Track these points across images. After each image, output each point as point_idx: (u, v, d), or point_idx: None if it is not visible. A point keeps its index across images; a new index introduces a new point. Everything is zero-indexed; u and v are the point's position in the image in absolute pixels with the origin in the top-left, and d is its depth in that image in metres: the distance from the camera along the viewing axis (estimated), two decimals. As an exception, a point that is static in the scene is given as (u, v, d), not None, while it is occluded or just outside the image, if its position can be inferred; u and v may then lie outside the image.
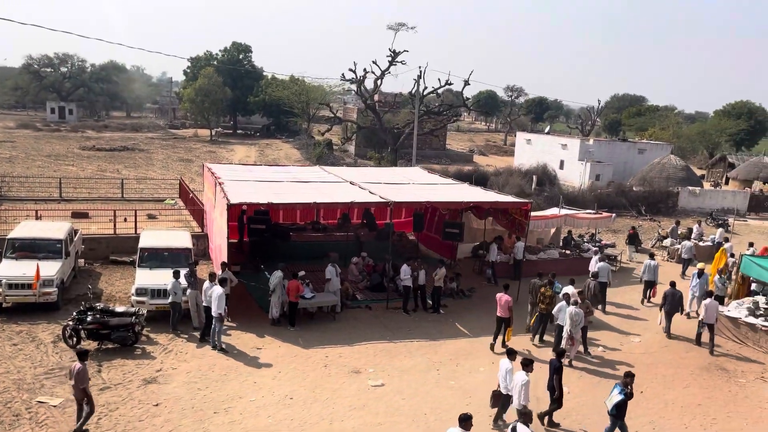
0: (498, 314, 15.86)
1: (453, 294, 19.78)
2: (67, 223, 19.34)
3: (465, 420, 9.65)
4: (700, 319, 16.61)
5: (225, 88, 67.41)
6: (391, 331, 16.70)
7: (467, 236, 22.70)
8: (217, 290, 14.71)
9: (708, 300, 16.46)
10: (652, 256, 20.76)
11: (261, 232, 21.65)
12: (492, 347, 15.78)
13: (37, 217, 21.53)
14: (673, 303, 17.10)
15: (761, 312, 17.14)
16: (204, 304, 15.21)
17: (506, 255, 22.34)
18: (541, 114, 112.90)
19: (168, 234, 19.52)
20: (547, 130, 70.42)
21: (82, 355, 11.07)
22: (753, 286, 19.30)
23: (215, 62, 73.38)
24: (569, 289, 16.46)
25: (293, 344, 15.37)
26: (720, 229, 27.98)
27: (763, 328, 16.52)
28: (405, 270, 18.10)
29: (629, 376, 11.41)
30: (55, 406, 11.72)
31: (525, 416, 10.13)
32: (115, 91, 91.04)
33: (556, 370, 12.03)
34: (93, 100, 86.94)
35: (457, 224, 21.43)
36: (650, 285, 19.91)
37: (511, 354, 12.18)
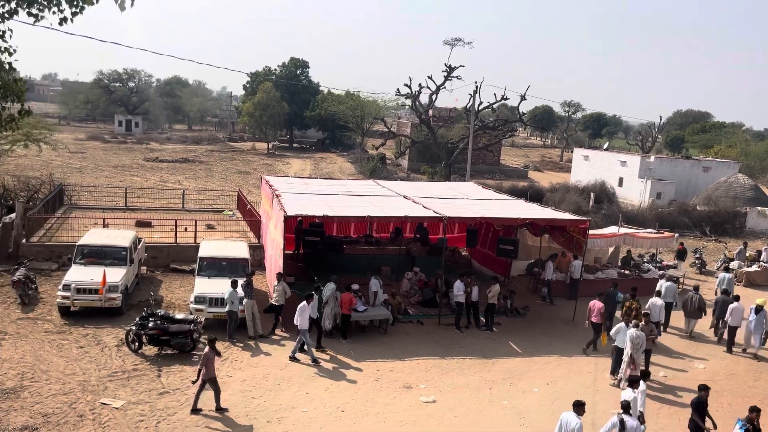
0: (593, 321, 16.84)
1: (507, 312, 19.47)
2: (131, 232, 20.12)
3: (579, 405, 10.54)
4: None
5: (282, 102, 68.92)
6: (443, 348, 16.56)
7: (522, 253, 22.36)
8: (301, 304, 15.01)
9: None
10: (726, 269, 20.01)
11: (315, 244, 21.95)
12: (585, 351, 16.65)
13: (104, 225, 22.48)
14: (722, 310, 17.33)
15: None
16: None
17: (562, 273, 21.87)
18: (599, 130, 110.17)
19: (226, 244, 20.02)
20: (605, 146, 68.77)
21: (211, 342, 12.44)
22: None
23: (273, 77, 75.19)
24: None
25: (345, 356, 15.44)
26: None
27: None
28: (458, 286, 17.95)
29: (754, 411, 10.69)
30: (117, 408, 12.13)
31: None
32: (178, 104, 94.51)
33: (695, 407, 11.42)
34: (157, 113, 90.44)
35: (512, 241, 21.14)
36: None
37: (634, 384, 11.78)
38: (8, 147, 31.27)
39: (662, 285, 19.16)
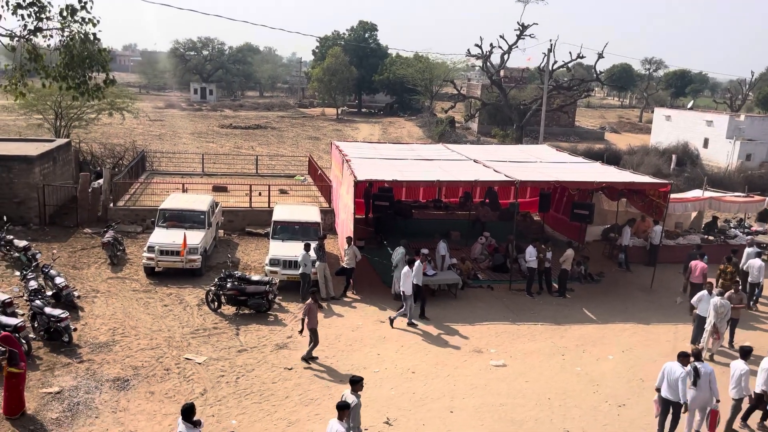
0: (692, 281, 16.82)
1: (580, 278, 18.99)
2: (209, 196, 20.88)
3: (684, 356, 10.44)
4: None
5: (351, 67, 68.87)
6: (514, 313, 16.41)
7: (597, 218, 21.62)
8: (404, 270, 15.17)
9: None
10: None
11: (384, 209, 22.07)
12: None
13: (184, 190, 23.43)
14: None
15: None
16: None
17: (640, 239, 21.06)
18: (683, 88, 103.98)
19: (299, 208, 20.44)
20: (689, 105, 64.93)
21: (313, 294, 13.35)
22: None
23: (342, 42, 75.11)
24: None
25: (414, 320, 15.57)
26: None
27: None
28: (530, 251, 17.63)
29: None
30: (200, 363, 12.80)
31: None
32: (249, 71, 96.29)
33: None
34: (230, 80, 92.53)
35: (587, 205, 20.45)
36: None
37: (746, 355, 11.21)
38: (94, 116, 32.94)
39: (747, 252, 18.11)
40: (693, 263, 17.16)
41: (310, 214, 19.46)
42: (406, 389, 12.32)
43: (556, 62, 42.06)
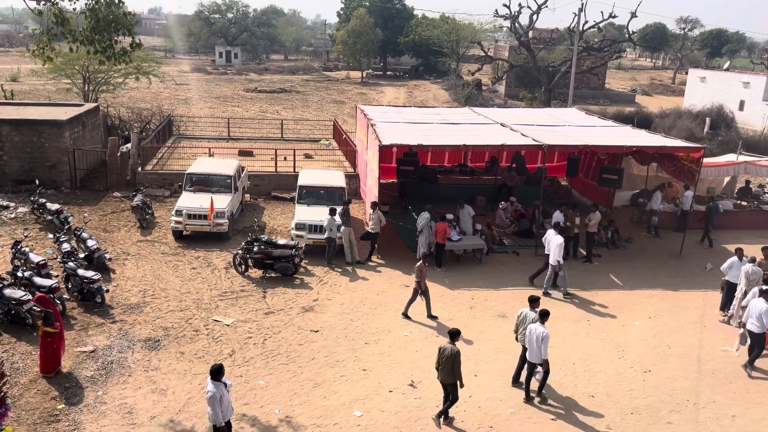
0: None
1: (607, 243, 18.76)
2: (235, 161, 20.99)
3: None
4: None
5: (376, 29, 67.85)
6: (539, 278, 16.32)
7: (626, 183, 21.24)
8: (556, 239, 15.12)
9: None
10: None
11: (409, 173, 21.94)
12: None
13: (210, 155, 23.59)
14: None
15: None
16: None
17: (669, 204, 20.65)
18: (719, 48, 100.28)
19: (324, 173, 20.45)
20: (725, 66, 62.73)
21: (425, 256, 14.33)
22: None
23: (367, 3, 73.80)
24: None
25: (440, 284, 15.62)
26: None
27: None
28: (557, 216, 17.44)
29: None
30: (228, 325, 13.07)
31: None
32: (274, 34, 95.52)
33: None
34: (255, 43, 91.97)
35: (616, 170, 20.06)
36: None
37: None
38: (121, 80, 33.14)
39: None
40: None
41: (335, 178, 19.47)
42: (430, 352, 12.40)
43: (586, 22, 40.89)
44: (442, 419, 10.10)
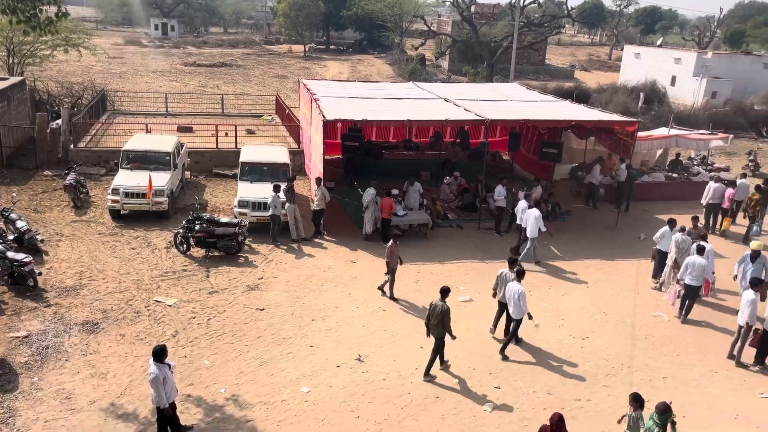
0: (724, 207, 18.31)
1: (548, 216, 19.23)
2: (174, 137, 20.32)
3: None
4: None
5: (318, 2, 66.57)
6: (483, 251, 16.67)
7: (566, 156, 21.77)
8: (533, 212, 15.49)
9: (746, 294, 11.78)
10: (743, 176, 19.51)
11: (354, 149, 21.82)
12: (706, 236, 14.80)
13: (147, 131, 22.74)
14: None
15: None
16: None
17: (606, 177, 21.35)
18: (653, 25, 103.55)
19: (267, 149, 20.09)
20: (659, 42, 64.84)
21: (395, 237, 13.75)
22: None
23: (309, -26, 72.11)
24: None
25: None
26: None
27: None
28: (499, 190, 17.77)
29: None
30: (170, 306, 12.78)
31: None
32: (212, 6, 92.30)
33: None
34: (192, 15, 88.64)
35: (556, 144, 20.54)
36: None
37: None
38: (48, 52, 31.35)
39: (710, 186, 18.57)
40: (727, 192, 18.42)
41: (279, 154, 19.16)
42: (377, 327, 12.55)
43: (527, -3, 41.30)
44: (424, 374, 10.89)
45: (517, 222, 16.44)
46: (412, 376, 10.90)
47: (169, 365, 8.68)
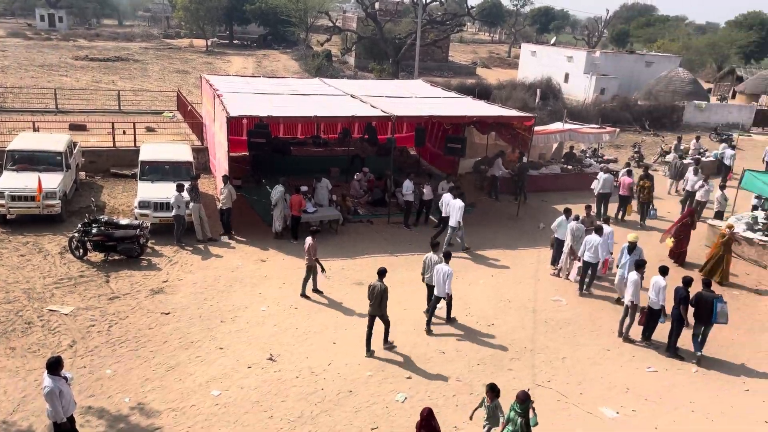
0: (621, 194, 19.68)
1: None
2: (65, 136, 19.13)
3: (665, 272, 12.42)
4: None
5: (220, -6, 64.73)
6: (393, 245, 16.93)
7: (469, 151, 22.49)
8: (457, 203, 16.07)
9: (631, 275, 12.73)
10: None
11: (261, 146, 21.43)
12: (608, 220, 16.24)
13: (35, 129, 21.26)
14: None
15: (759, 227, 17.32)
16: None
17: (507, 170, 22.28)
18: (547, 24, 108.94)
19: (169, 147, 19.37)
20: (552, 41, 68.31)
21: (314, 233, 13.57)
22: (754, 201, 19.45)
23: (208, -33, 69.86)
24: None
25: (296, 257, 15.58)
26: (723, 144, 27.76)
27: (759, 242, 16.74)
28: (407, 185, 18.10)
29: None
30: (66, 314, 12.05)
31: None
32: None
33: (682, 300, 12.03)
34: (83, 6, 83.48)
35: (460, 139, 21.14)
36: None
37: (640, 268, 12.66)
38: None
39: (601, 177, 19.84)
40: (622, 179, 19.82)
41: (181, 152, 18.53)
42: (289, 325, 12.46)
43: (430, -4, 42.22)
44: (383, 343, 11.73)
45: (442, 214, 16.98)
46: (325, 372, 10.93)
47: (65, 377, 8.21)
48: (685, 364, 11.96)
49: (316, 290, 13.84)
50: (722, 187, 19.52)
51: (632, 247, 13.92)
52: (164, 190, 16.16)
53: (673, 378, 11.49)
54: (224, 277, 14.28)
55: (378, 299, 11.37)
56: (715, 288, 14.14)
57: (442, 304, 12.79)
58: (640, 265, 12.71)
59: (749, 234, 17.04)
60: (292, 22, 63.88)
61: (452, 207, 16.32)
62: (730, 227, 15.83)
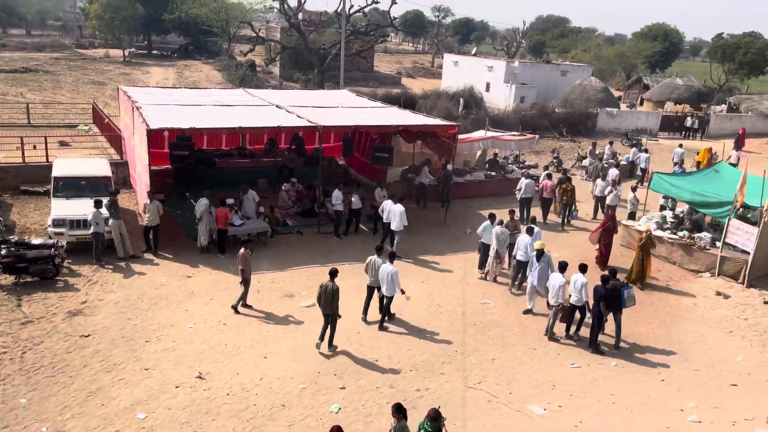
0: (544, 197, 20.53)
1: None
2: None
3: (584, 269, 13.10)
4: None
5: (136, 3, 62.58)
6: (323, 255, 16.86)
7: (396, 160, 22.77)
8: (398, 208, 16.62)
9: (554, 276, 13.32)
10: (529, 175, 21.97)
11: (184, 158, 20.85)
12: (535, 221, 16.93)
13: (-67, 146, 19.82)
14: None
15: (668, 225, 18.43)
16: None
17: (434, 178, 22.69)
18: (468, 35, 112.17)
19: (84, 162, 18.56)
20: (473, 51, 70.31)
21: (246, 243, 13.46)
22: (661, 201, 20.69)
23: (123, -26, 67.52)
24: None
25: (224, 271, 15.28)
26: (633, 149, 29.39)
27: (668, 240, 17.81)
28: (336, 195, 18.09)
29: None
30: (-26, 343, 11.26)
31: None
32: (11, 5, 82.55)
33: (602, 297, 12.59)
34: (-15, 15, 78.66)
35: (387, 148, 21.38)
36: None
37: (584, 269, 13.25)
38: None
39: (522, 183, 20.56)
40: (543, 182, 20.76)
41: (99, 167, 17.81)
42: (217, 341, 12.16)
43: (352, 6, 42.64)
44: (327, 347, 12.02)
45: (384, 220, 17.29)
46: (256, 387, 10.73)
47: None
48: (606, 359, 12.54)
49: (245, 305, 13.56)
50: (634, 189, 20.64)
51: (540, 255, 14.02)
52: (81, 207, 15.44)
53: (594, 373, 12.01)
54: (148, 295, 13.77)
55: (329, 299, 11.81)
56: (652, 305, 15.08)
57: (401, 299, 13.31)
58: (563, 267, 13.27)
59: (659, 232, 18.08)
60: (213, 32, 62.62)
61: (393, 212, 16.69)
62: (647, 231, 16.46)
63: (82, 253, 15.23)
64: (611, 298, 12.68)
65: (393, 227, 16.83)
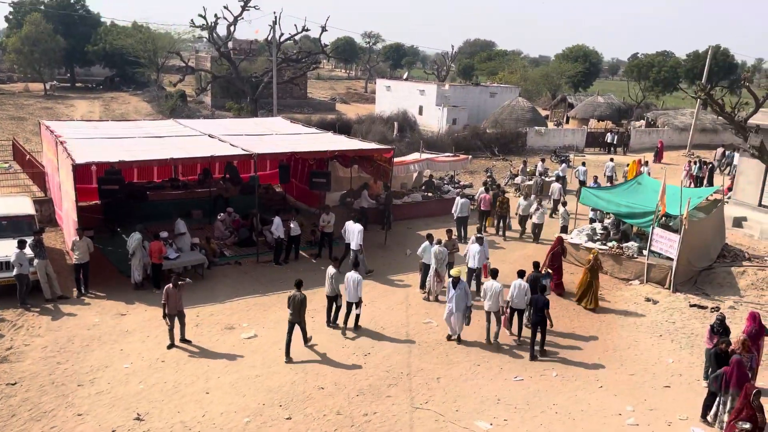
0: (482, 209, 21.78)
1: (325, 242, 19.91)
2: None
3: (522, 274, 13.92)
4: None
5: (56, 36, 60.65)
6: (264, 285, 16.62)
7: (334, 185, 22.85)
8: (356, 227, 17.10)
9: (489, 283, 13.84)
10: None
11: (114, 193, 20.22)
12: (481, 230, 18.61)
13: None
14: None
15: (598, 237, 19.20)
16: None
17: (373, 201, 22.86)
18: (399, 60, 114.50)
19: (5, 201, 17.70)
20: (405, 76, 71.73)
21: (170, 278, 13.21)
22: (590, 214, 21.56)
23: (42, 7, 65.50)
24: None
25: (160, 307, 14.74)
26: (563, 165, 30.58)
27: (599, 251, 18.51)
28: (277, 222, 17.93)
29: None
30: None
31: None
32: None
33: (545, 305, 13.21)
34: None
35: (324, 173, 21.47)
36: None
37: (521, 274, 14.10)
38: None
39: (458, 202, 21.01)
40: (481, 196, 22.10)
41: (21, 206, 17.03)
42: (156, 380, 11.72)
43: (282, 34, 42.67)
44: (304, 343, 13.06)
45: (346, 240, 17.70)
46: (199, 424, 10.38)
47: None
48: (547, 370, 12.85)
49: (183, 340, 13.16)
50: (564, 204, 21.44)
51: (456, 282, 13.56)
52: (3, 248, 14.66)
53: (537, 384, 12.29)
54: (79, 337, 13.15)
55: (297, 307, 12.61)
56: (588, 314, 15.56)
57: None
58: (494, 274, 13.94)
59: (590, 244, 18.80)
60: (141, 63, 61.41)
61: (352, 232, 17.12)
62: (594, 253, 16.40)
63: (5, 297, 14.42)
64: (533, 290, 13.65)
65: (352, 246, 17.12)
